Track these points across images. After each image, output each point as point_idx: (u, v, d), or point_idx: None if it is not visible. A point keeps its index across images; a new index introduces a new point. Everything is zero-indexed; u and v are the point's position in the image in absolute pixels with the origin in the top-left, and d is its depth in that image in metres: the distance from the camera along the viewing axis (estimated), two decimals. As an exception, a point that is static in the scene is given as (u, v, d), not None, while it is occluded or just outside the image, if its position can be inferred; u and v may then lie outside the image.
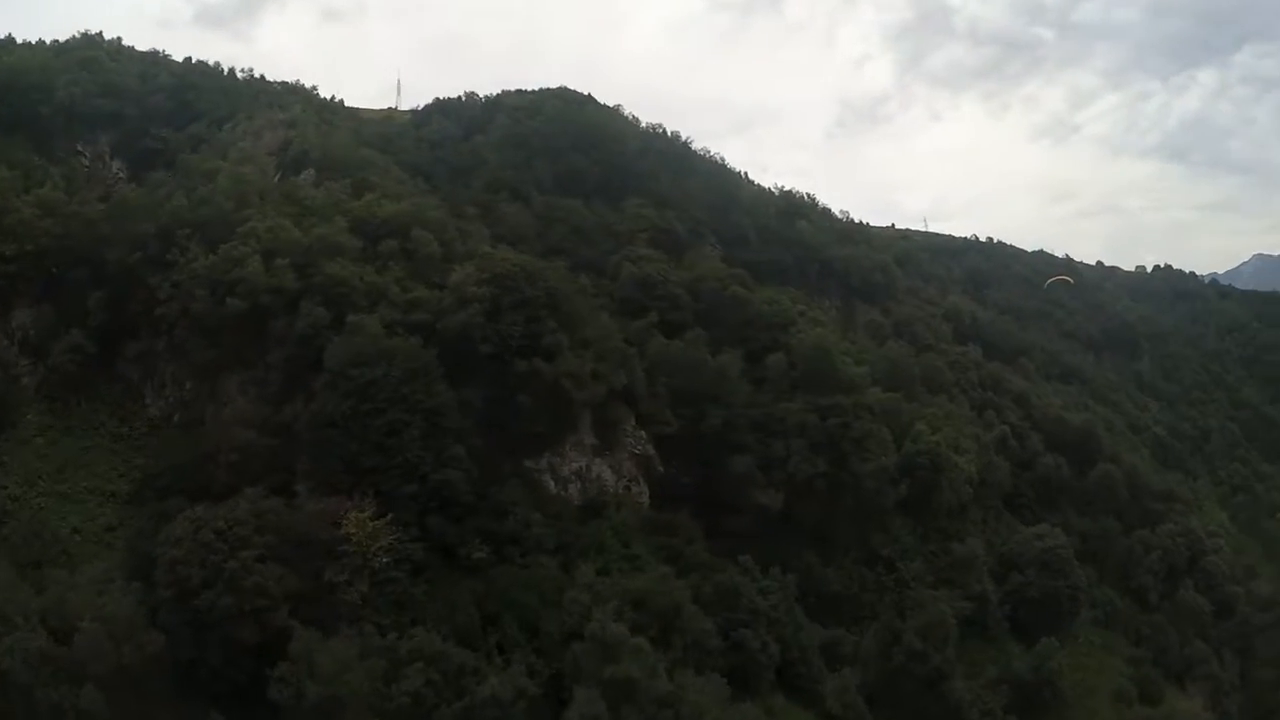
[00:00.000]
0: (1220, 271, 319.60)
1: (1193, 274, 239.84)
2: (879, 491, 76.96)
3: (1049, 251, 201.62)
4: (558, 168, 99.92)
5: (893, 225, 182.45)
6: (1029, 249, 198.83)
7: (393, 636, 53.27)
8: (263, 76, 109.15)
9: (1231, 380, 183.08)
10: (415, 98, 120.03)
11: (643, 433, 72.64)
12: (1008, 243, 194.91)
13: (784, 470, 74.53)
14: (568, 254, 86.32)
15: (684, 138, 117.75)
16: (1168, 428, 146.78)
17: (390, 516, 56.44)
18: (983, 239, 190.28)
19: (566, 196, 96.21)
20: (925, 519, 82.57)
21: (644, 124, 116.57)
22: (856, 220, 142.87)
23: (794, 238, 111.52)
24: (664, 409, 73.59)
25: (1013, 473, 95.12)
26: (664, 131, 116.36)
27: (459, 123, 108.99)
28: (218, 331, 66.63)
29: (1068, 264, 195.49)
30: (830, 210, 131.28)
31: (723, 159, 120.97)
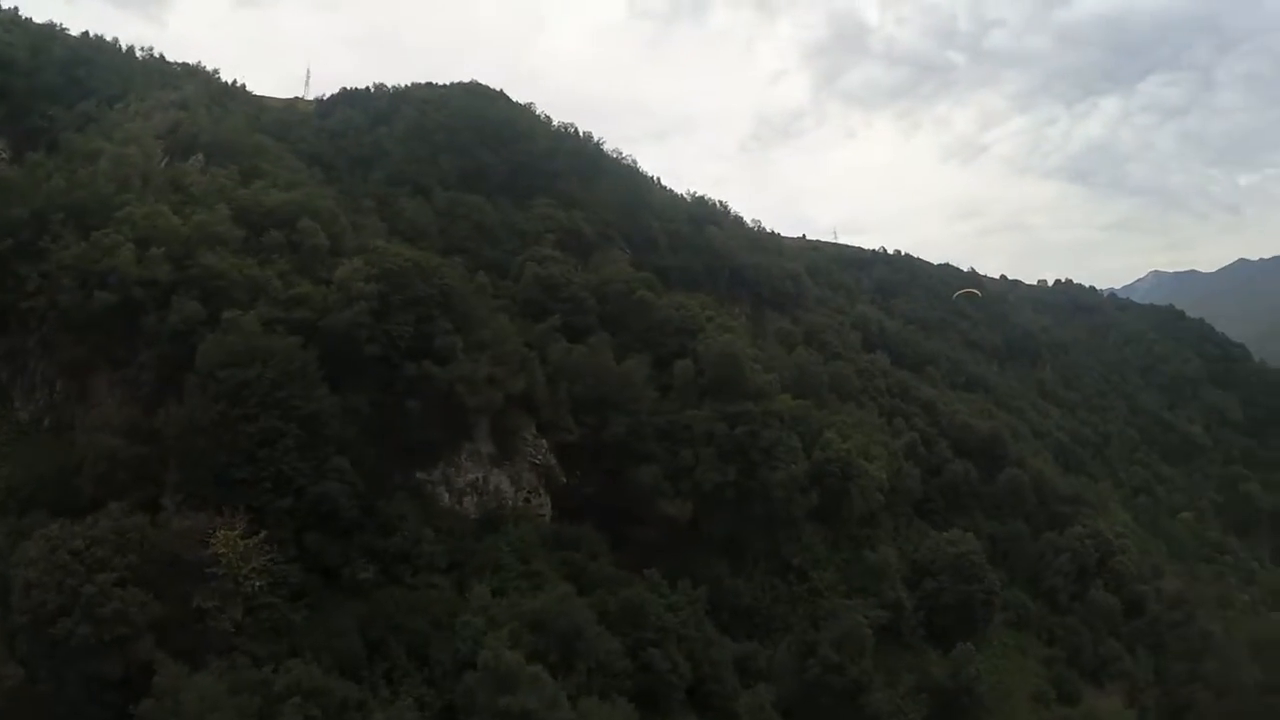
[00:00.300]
0: (1118, 286, 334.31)
1: (1092, 288, 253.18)
2: (789, 500, 74.00)
3: (955, 265, 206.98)
4: (463, 163, 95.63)
5: (804, 236, 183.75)
6: (935, 263, 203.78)
7: (268, 669, 47.50)
8: (162, 56, 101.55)
9: (1130, 388, 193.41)
10: (328, 91, 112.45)
11: (544, 441, 68.44)
12: (915, 256, 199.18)
13: (692, 480, 71.22)
14: (469, 253, 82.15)
15: (596, 139, 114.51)
16: (1070, 433, 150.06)
17: (264, 534, 50.71)
18: (891, 252, 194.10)
19: (471, 193, 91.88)
20: (837, 527, 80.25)
21: (556, 123, 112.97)
22: (768, 230, 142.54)
23: (704, 244, 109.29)
24: (566, 416, 69.64)
25: (922, 479, 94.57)
26: (575, 132, 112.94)
27: (364, 113, 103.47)
28: (86, 327, 59.45)
29: (973, 277, 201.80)
30: (742, 219, 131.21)
31: (634, 162, 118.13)
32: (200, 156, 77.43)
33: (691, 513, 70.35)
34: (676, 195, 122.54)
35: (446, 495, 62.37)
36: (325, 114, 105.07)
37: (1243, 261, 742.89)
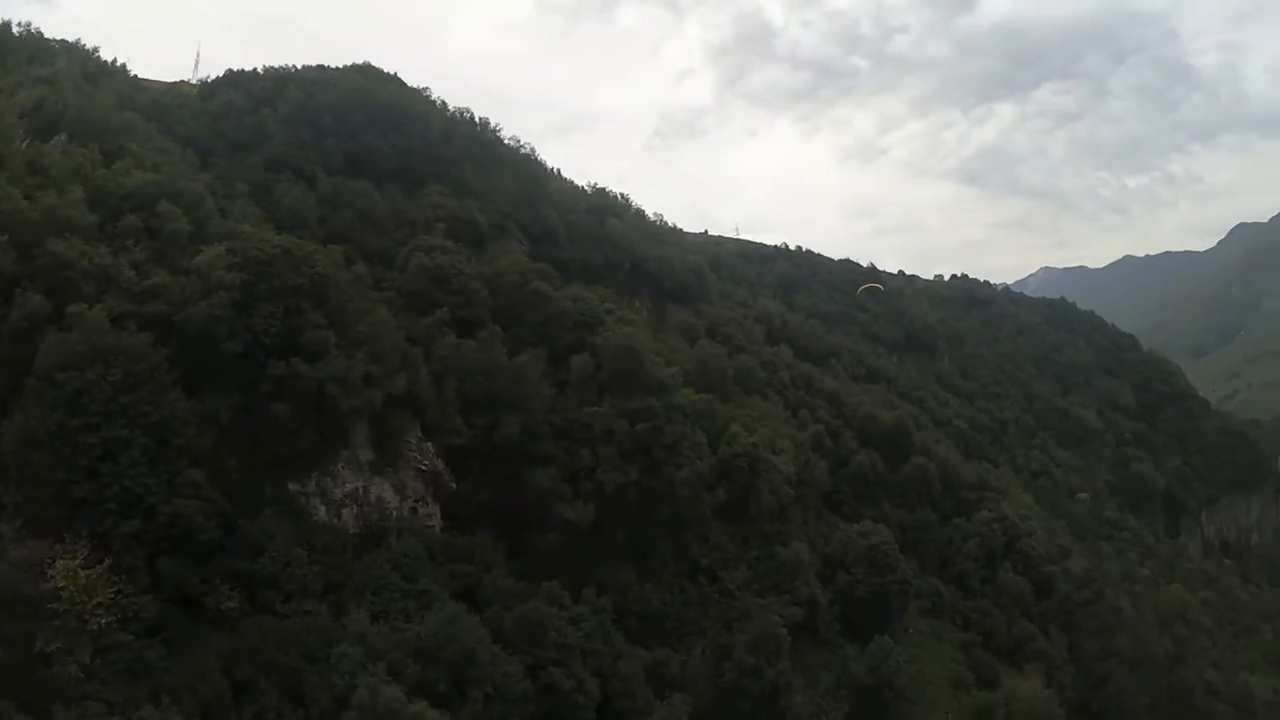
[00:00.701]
0: (1011, 282, 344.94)
1: (986, 283, 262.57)
2: (696, 498, 70.21)
3: (855, 261, 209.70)
4: (351, 148, 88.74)
5: (706, 232, 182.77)
6: (836, 259, 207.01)
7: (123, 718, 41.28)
8: (39, 32, 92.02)
9: (1025, 377, 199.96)
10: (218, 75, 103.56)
11: (430, 445, 62.64)
12: (816, 252, 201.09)
13: (592, 481, 66.60)
14: (354, 242, 75.59)
15: (493, 126, 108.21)
16: (969, 421, 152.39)
17: (108, 563, 44.01)
18: (793, 248, 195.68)
19: (358, 179, 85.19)
20: (746, 524, 76.68)
21: (452, 109, 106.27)
22: (671, 225, 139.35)
23: (605, 236, 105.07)
24: (454, 417, 63.96)
25: (830, 471, 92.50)
26: (471, 118, 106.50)
27: (249, 96, 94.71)
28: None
29: (872, 273, 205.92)
30: (644, 212, 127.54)
31: (533, 151, 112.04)
32: (63, 136, 68.98)
33: (593, 516, 65.75)
34: (576, 187, 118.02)
35: (322, 508, 55.80)
36: (208, 96, 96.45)
37: (1129, 258, 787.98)
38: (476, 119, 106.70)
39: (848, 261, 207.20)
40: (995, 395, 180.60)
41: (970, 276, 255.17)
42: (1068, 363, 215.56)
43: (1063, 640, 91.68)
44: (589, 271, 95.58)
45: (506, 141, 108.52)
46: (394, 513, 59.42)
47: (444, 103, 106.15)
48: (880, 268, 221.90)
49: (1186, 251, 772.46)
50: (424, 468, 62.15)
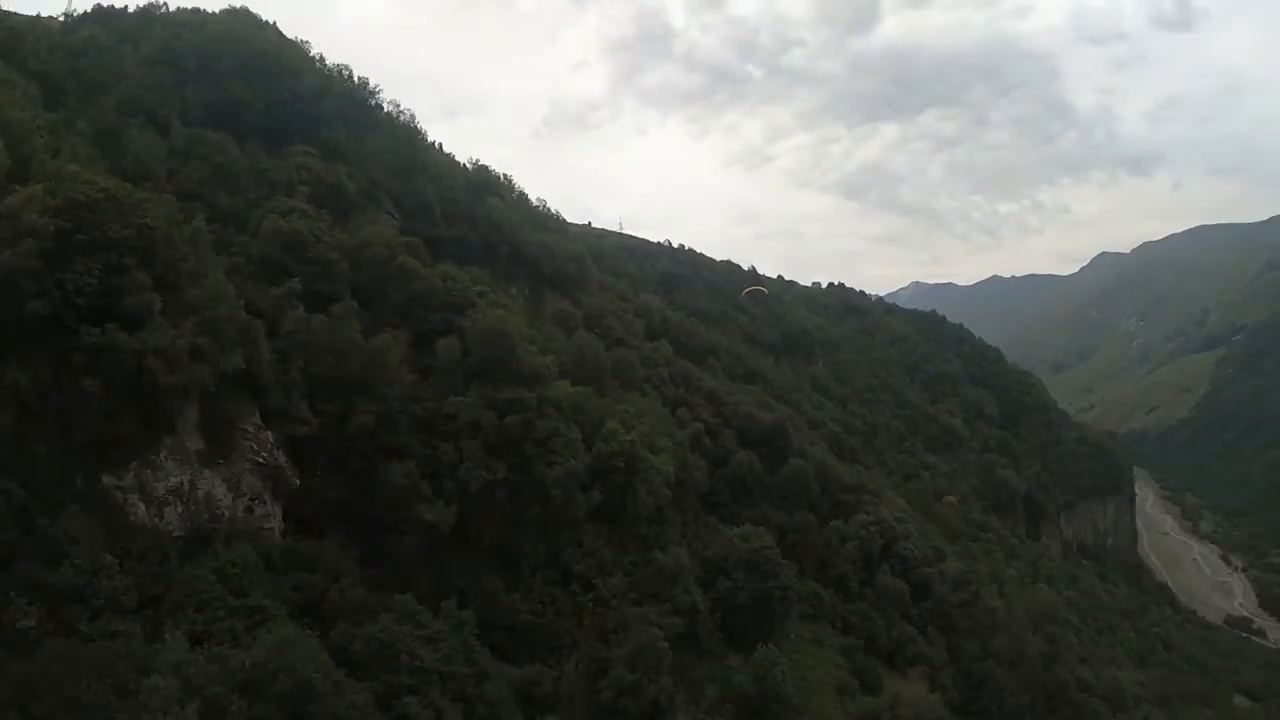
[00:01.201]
0: (883, 293, 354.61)
1: (861, 292, 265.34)
2: (569, 499, 64.58)
3: (736, 262, 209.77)
4: (213, 96, 78.83)
5: (589, 224, 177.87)
6: (718, 259, 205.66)
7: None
8: None
9: (896, 384, 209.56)
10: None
11: (269, 434, 54.28)
12: (698, 251, 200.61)
13: (456, 478, 60.18)
14: (204, 200, 66.93)
15: (372, 87, 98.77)
16: (842, 424, 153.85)
17: None
18: (675, 246, 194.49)
19: (218, 131, 75.50)
20: (622, 527, 71.30)
21: (330, 66, 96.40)
22: (553, 212, 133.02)
23: (483, 215, 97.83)
24: (300, 403, 56.20)
25: (708, 471, 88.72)
26: (349, 76, 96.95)
27: (113, 33, 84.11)
28: None
29: (754, 274, 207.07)
30: (526, 195, 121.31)
31: (413, 118, 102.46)
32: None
33: (455, 518, 59.14)
34: (456, 163, 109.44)
35: (141, 506, 46.96)
36: (70, 31, 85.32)
37: (996, 278, 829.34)
38: (355, 78, 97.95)
39: (729, 263, 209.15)
40: (868, 400, 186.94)
41: (847, 285, 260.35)
42: (936, 372, 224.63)
43: (941, 641, 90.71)
44: (464, 252, 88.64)
45: (385, 106, 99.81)
46: (226, 513, 50.92)
47: (321, 58, 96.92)
48: (761, 271, 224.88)
49: (1050, 275, 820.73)
50: (262, 460, 53.73)
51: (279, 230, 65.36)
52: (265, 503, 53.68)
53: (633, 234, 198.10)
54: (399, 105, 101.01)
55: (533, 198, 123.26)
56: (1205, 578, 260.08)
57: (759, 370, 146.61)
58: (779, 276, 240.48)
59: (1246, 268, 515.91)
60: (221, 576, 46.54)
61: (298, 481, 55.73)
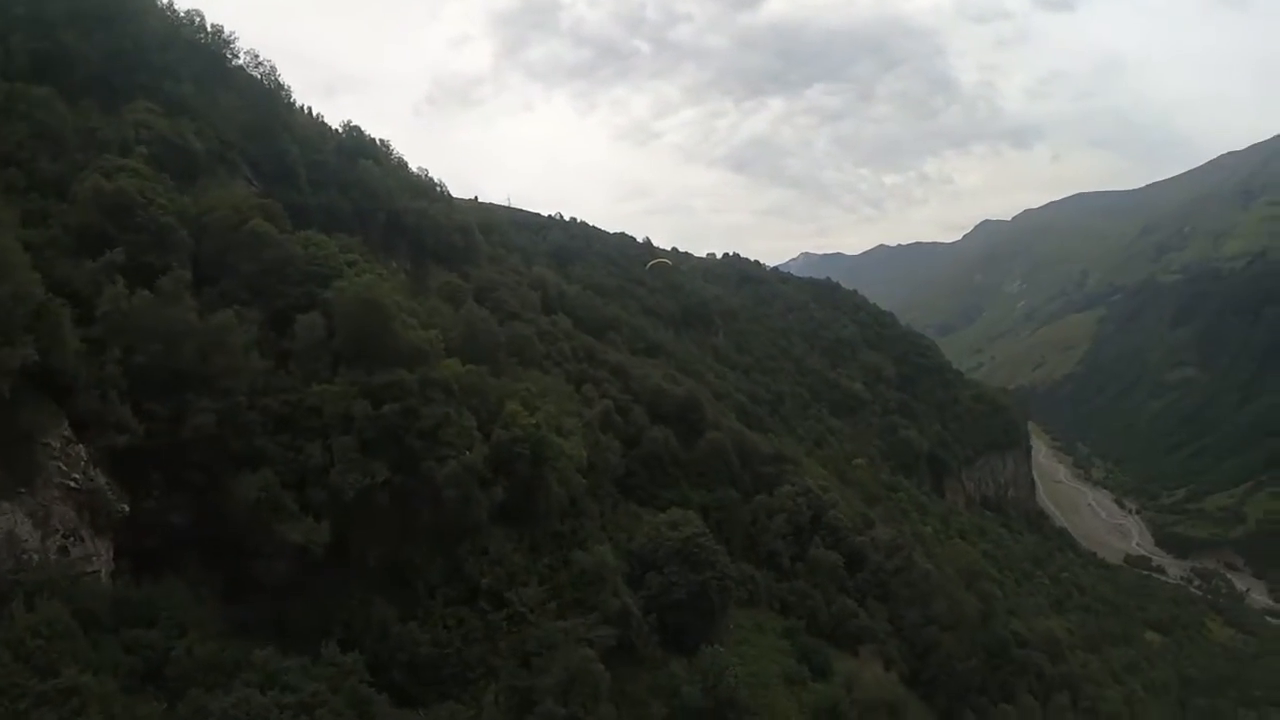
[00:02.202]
0: (772, 264, 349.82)
1: (757, 262, 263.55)
2: (467, 499, 52.42)
3: (630, 235, 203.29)
4: (41, 46, 62.24)
5: (475, 199, 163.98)
6: (611, 232, 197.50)
7: None
8: None
9: (796, 351, 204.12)
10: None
11: (82, 448, 40.82)
12: (591, 224, 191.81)
13: (326, 486, 47.68)
14: (23, 165, 52.27)
15: (227, 35, 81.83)
16: (747, 394, 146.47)
17: None
18: (568, 219, 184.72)
19: (45, 85, 58.88)
20: (533, 526, 59.15)
21: (180, 12, 79.89)
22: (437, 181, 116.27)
23: (356, 180, 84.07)
24: (119, 405, 42.56)
25: (621, 452, 77.71)
26: (201, 23, 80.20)
27: None
28: None
29: (649, 247, 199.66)
30: (405, 162, 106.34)
31: (273, 70, 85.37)
32: None
33: (330, 535, 46.51)
34: (326, 126, 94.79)
35: None
36: None
37: (883, 247, 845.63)
38: (209, 25, 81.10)
39: (623, 235, 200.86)
40: (770, 369, 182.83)
41: (742, 256, 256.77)
42: (835, 338, 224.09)
43: (882, 612, 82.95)
44: (334, 221, 74.80)
45: (243, 56, 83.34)
46: (33, 557, 37.58)
47: (171, 2, 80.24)
48: (656, 244, 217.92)
49: (935, 243, 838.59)
50: (75, 483, 40.13)
51: (101, 191, 50.39)
52: (85, 539, 40.28)
53: (523, 208, 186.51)
54: (257, 56, 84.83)
55: (414, 167, 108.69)
56: (1101, 521, 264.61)
57: (661, 343, 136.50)
58: (673, 249, 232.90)
59: (1124, 232, 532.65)
60: (19, 652, 33.22)
61: (126, 507, 42.17)
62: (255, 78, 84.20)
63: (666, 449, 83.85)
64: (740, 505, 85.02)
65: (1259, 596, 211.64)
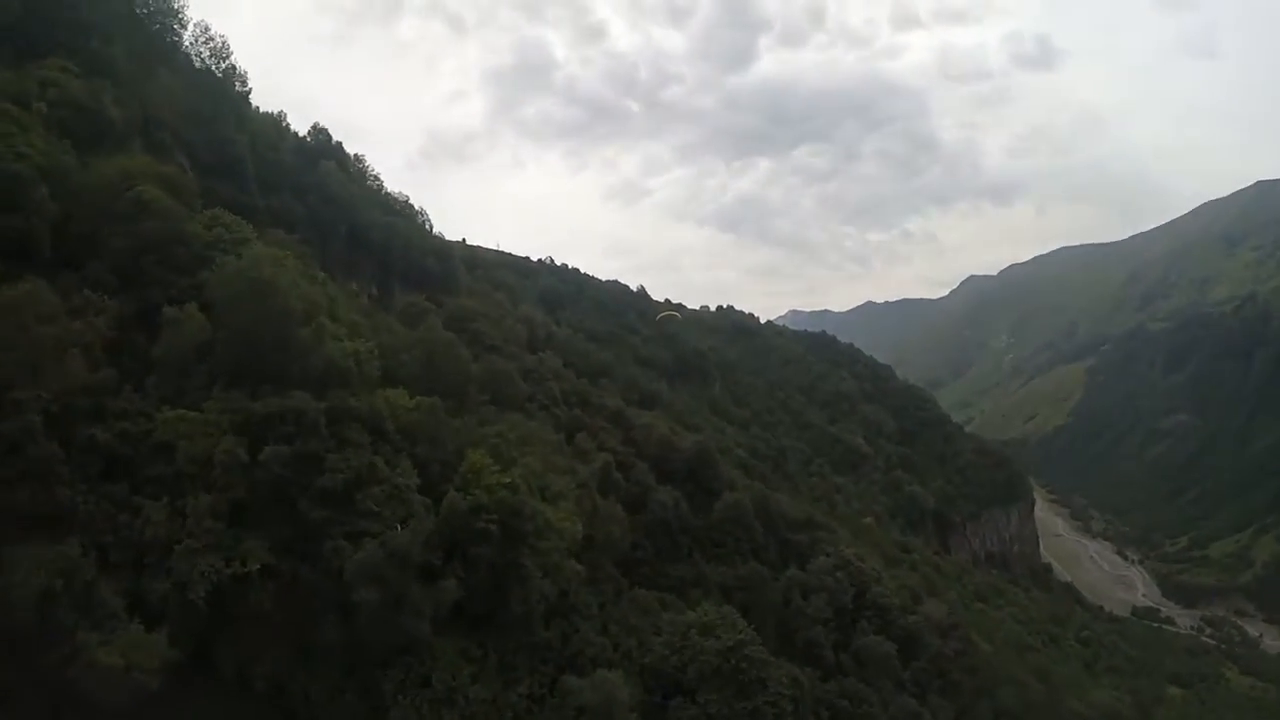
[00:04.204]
0: (762, 322, 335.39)
1: (751, 314, 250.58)
2: (396, 602, 31.53)
3: (624, 283, 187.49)
4: None
5: (464, 240, 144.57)
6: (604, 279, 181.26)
7: None
8: None
9: (795, 405, 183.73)
10: None
11: None
12: (583, 270, 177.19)
13: (164, 583, 27.41)
14: None
15: (178, 6, 64.56)
16: (748, 449, 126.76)
17: None
18: (559, 264, 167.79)
19: None
20: (502, 637, 37.57)
21: None
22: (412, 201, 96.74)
23: (314, 184, 66.01)
24: None
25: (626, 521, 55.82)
26: None
27: None
28: None
29: (642, 295, 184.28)
30: (380, 179, 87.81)
31: (225, 45, 67.28)
32: None
33: (192, 644, 26.01)
34: (286, 126, 75.63)
35: None
36: None
37: (870, 304, 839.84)
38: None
39: (616, 283, 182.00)
40: (769, 423, 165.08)
41: (736, 308, 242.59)
42: (833, 391, 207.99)
43: (947, 710, 61.75)
44: (286, 228, 56.16)
45: (191, 28, 65.71)
46: None
47: None
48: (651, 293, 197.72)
49: (922, 299, 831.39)
50: None
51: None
52: None
53: (512, 253, 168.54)
54: (208, 28, 66.91)
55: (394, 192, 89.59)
56: (1105, 573, 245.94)
57: (656, 394, 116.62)
58: (666, 300, 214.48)
59: (1110, 282, 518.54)
60: None
61: None
62: (207, 64, 65.49)
63: (677, 515, 62.54)
64: (769, 583, 63.42)
65: (1272, 641, 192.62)
